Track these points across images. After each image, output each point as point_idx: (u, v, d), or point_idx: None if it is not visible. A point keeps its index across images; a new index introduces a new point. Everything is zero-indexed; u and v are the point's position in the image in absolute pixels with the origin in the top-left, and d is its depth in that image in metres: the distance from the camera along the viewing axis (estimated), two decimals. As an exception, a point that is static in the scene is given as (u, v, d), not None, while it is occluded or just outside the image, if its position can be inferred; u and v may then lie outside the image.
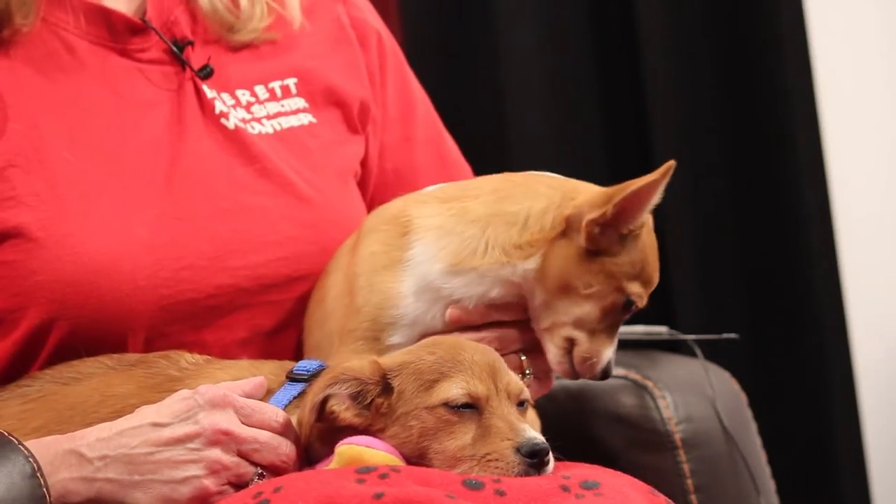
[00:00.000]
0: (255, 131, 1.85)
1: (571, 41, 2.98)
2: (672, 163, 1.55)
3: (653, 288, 1.64)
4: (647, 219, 1.62)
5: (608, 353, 1.63)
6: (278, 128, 1.88)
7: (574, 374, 1.64)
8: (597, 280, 1.60)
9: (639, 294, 1.61)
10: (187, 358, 1.70)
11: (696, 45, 2.96)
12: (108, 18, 1.83)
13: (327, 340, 1.73)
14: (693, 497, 2.02)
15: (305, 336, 1.80)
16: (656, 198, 1.58)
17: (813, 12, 2.99)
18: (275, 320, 1.81)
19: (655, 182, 1.56)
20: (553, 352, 1.64)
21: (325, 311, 1.75)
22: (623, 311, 1.63)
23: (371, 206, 1.92)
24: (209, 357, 1.72)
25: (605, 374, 1.64)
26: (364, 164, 1.96)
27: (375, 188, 1.97)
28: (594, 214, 1.58)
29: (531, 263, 1.62)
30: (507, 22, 2.91)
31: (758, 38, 2.95)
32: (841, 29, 3.09)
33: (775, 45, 2.94)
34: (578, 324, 1.62)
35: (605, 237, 1.59)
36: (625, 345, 2.21)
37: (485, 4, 2.91)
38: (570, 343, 1.63)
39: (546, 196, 1.64)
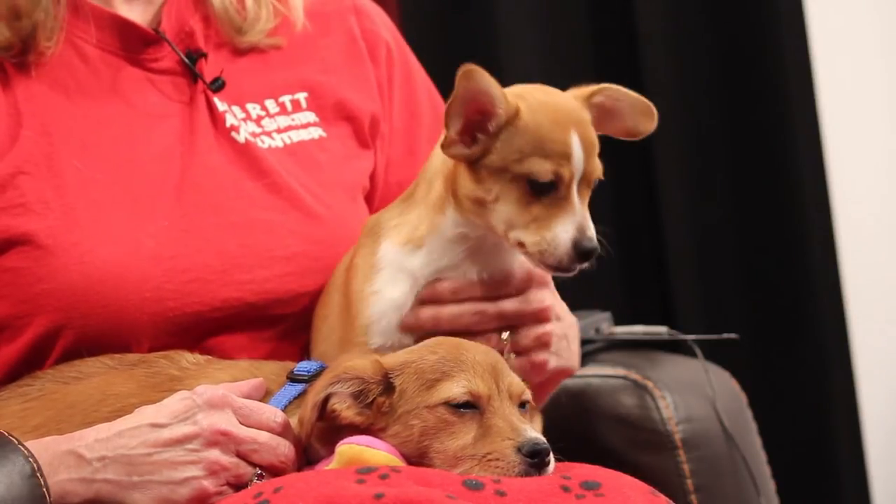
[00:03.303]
0: (265, 145, 1.85)
1: (571, 40, 2.98)
2: (464, 69, 1.60)
3: (567, 155, 1.61)
4: (519, 103, 1.63)
5: (560, 235, 1.60)
6: (288, 141, 1.88)
7: (551, 268, 1.62)
8: (490, 181, 1.63)
9: (543, 170, 1.60)
10: (188, 358, 1.70)
11: (696, 45, 2.96)
12: (121, 28, 1.83)
13: (333, 351, 1.74)
14: (693, 497, 2.02)
15: (311, 349, 1.80)
16: (482, 94, 1.61)
17: (813, 13, 2.99)
18: (278, 333, 1.81)
19: (456, 88, 1.61)
20: (524, 259, 1.67)
21: (329, 328, 1.77)
22: (543, 192, 1.61)
23: None
24: (210, 357, 1.71)
25: (583, 253, 1.60)
26: (371, 178, 1.97)
27: (380, 202, 1.97)
28: (441, 140, 1.65)
29: (450, 208, 1.68)
30: (508, 21, 2.91)
31: (758, 38, 2.95)
32: (841, 29, 3.09)
33: (775, 44, 2.94)
34: (510, 225, 1.63)
35: (476, 144, 1.63)
36: (625, 345, 2.22)
37: (485, 3, 2.91)
38: (523, 245, 1.63)
39: (436, 154, 1.72)
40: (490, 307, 1.70)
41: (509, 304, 1.71)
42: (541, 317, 1.74)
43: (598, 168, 1.65)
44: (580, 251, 1.60)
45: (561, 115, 1.63)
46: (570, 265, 1.61)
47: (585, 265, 1.61)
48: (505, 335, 1.71)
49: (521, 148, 1.61)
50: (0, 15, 1.76)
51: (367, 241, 1.74)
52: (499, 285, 1.71)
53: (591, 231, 1.61)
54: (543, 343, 1.74)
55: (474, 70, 1.59)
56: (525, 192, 1.61)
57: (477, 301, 1.70)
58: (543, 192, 1.61)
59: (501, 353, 1.67)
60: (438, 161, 1.70)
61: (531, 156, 1.60)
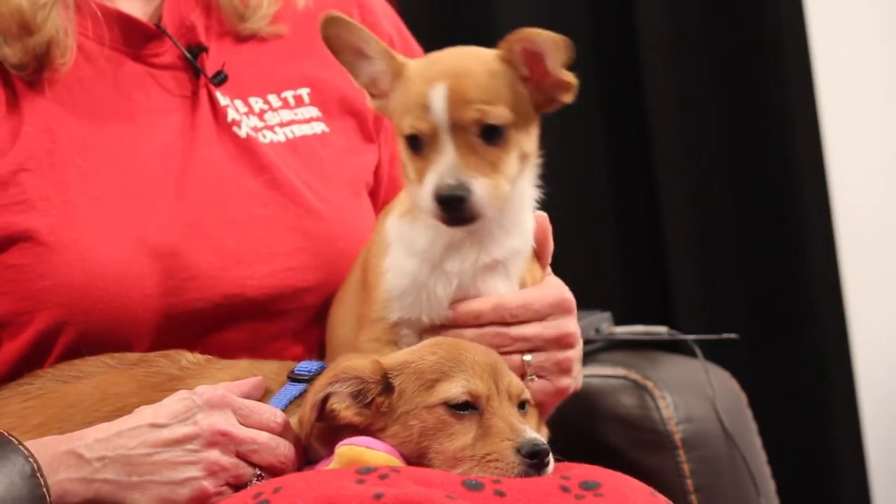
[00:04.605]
0: (267, 140, 1.85)
1: (571, 40, 2.97)
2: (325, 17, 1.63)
3: (424, 106, 1.58)
4: (411, 62, 1.63)
5: (427, 187, 1.57)
6: (291, 136, 1.87)
7: (442, 222, 1.59)
8: (400, 141, 1.63)
9: (405, 125, 1.59)
10: (188, 357, 1.70)
11: (696, 45, 2.96)
12: (122, 23, 1.83)
13: (351, 335, 1.72)
14: (693, 497, 2.02)
15: (329, 337, 1.80)
16: (358, 40, 1.63)
17: (813, 12, 2.99)
18: (279, 329, 1.81)
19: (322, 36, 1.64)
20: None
21: (346, 311, 1.75)
22: (418, 147, 1.59)
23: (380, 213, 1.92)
24: (210, 356, 1.72)
25: (441, 201, 1.56)
26: (376, 172, 1.96)
27: (385, 196, 1.97)
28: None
29: None
30: (507, 21, 2.90)
31: (758, 38, 2.95)
32: (841, 29, 3.09)
33: (775, 44, 2.94)
34: (415, 175, 1.61)
35: (387, 96, 1.65)
36: (625, 345, 2.22)
37: (485, 3, 2.91)
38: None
39: None
40: (512, 331, 1.67)
41: (531, 329, 1.68)
42: (564, 342, 1.71)
43: (473, 113, 1.57)
44: (439, 199, 1.57)
45: (434, 69, 1.61)
46: (445, 216, 1.58)
47: (462, 219, 1.57)
48: (528, 357, 1.68)
49: (399, 104, 1.62)
50: (11, 35, 1.75)
51: (383, 216, 1.73)
52: (522, 310, 1.68)
53: (448, 177, 1.57)
54: (565, 369, 1.71)
55: (335, 18, 1.62)
56: (408, 149, 1.61)
57: (499, 325, 1.67)
58: (419, 148, 1.59)
59: (522, 376, 1.65)
60: None
61: (403, 112, 1.61)
